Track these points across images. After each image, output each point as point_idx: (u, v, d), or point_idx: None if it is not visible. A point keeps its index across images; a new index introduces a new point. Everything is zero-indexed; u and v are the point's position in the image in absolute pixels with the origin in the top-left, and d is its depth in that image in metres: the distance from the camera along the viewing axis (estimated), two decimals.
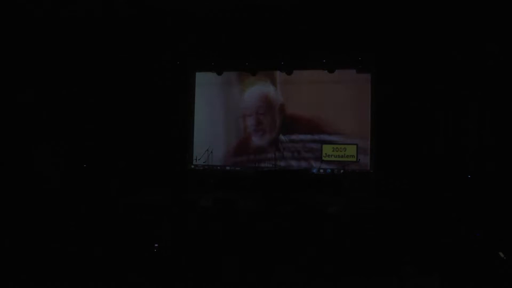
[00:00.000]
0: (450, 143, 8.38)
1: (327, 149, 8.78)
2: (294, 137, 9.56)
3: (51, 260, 4.32)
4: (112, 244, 4.68)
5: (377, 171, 8.96)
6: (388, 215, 5.88)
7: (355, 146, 8.72)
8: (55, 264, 4.24)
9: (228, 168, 10.02)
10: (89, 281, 3.98)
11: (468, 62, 8.09)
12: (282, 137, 9.46)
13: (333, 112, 9.41)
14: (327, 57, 9.11)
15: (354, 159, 8.58)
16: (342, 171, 8.57)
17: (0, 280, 3.93)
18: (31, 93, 8.37)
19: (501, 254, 4.24)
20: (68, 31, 8.63)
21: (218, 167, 10.04)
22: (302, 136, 9.55)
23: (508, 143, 7.51)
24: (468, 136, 8.18)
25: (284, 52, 9.10)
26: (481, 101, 8.05)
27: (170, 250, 4.59)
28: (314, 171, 9.39)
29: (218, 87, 10.20)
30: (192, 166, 10.16)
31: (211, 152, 9.92)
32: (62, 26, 8.46)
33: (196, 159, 10.09)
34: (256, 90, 9.87)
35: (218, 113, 10.22)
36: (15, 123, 8.10)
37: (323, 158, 8.78)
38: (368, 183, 8.44)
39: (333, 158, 8.75)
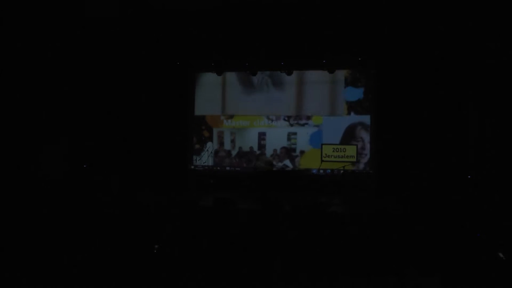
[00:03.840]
0: (450, 143, 8.39)
1: (327, 150, 8.78)
2: None
3: (51, 260, 4.30)
4: (112, 244, 4.65)
5: (377, 172, 8.98)
6: (388, 216, 5.67)
7: (355, 146, 8.74)
8: (55, 264, 4.22)
9: (228, 168, 10.04)
10: (89, 282, 3.98)
11: (469, 62, 8.11)
12: None
13: None
14: (327, 57, 9.15)
15: (354, 160, 8.59)
16: (341, 171, 8.56)
17: (0, 280, 3.93)
18: (32, 93, 8.35)
19: (501, 255, 4.23)
20: (68, 31, 8.62)
21: (218, 168, 10.07)
22: None
23: (509, 142, 7.51)
24: (469, 136, 8.18)
25: (284, 52, 9.14)
26: (482, 100, 8.06)
27: (170, 250, 4.57)
28: (314, 171, 9.39)
29: None
30: (192, 167, 10.17)
31: (211, 152, 9.90)
32: (62, 26, 8.45)
33: (196, 159, 10.07)
34: None
35: None
36: (15, 123, 8.09)
37: (323, 159, 8.79)
38: (368, 184, 8.45)
39: (332, 159, 8.76)
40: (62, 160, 8.57)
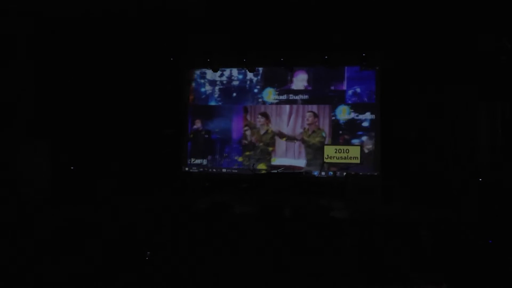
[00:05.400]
0: (460, 143, 8.33)
1: (329, 151, 8.74)
2: None
3: (43, 266, 4.30)
4: (104, 249, 4.68)
5: (382, 174, 8.91)
6: (394, 220, 5.85)
7: (358, 147, 8.72)
8: (48, 270, 4.23)
9: (224, 170, 9.99)
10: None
11: (480, 60, 8.01)
12: None
13: None
14: (329, 53, 9.08)
15: (358, 161, 8.56)
16: (345, 173, 8.52)
17: None
18: (17, 91, 8.30)
19: None
20: (59, 28, 8.59)
21: (214, 170, 10.01)
22: None
23: None
24: (479, 137, 8.14)
25: (284, 48, 9.05)
26: (492, 100, 8.02)
27: (163, 255, 4.58)
28: (315, 173, 9.37)
29: None
30: (186, 169, 10.12)
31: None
32: (54, 24, 8.42)
33: (190, 161, 10.05)
34: None
35: None
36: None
37: (325, 160, 8.75)
38: (372, 186, 8.38)
39: (335, 160, 8.72)
40: (46, 161, 8.47)
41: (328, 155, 8.68)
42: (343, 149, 8.61)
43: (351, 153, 8.57)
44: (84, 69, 9.33)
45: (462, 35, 8.00)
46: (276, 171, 9.07)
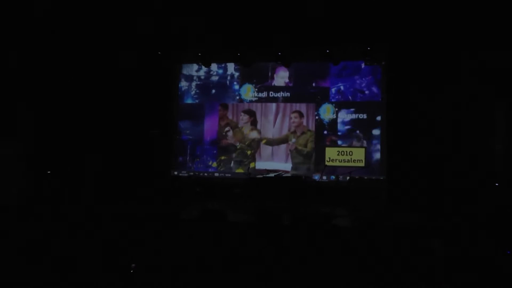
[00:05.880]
0: (473, 146, 8.12)
1: (330, 153, 8.57)
2: None
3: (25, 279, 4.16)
4: (87, 260, 4.58)
5: (388, 178, 8.68)
6: (402, 228, 5.74)
7: (363, 149, 8.50)
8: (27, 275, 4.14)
9: (217, 174, 9.76)
10: None
11: (494, 55, 7.80)
12: None
13: None
14: (331, 47, 8.86)
15: (362, 164, 8.36)
16: (348, 177, 8.24)
17: None
18: None
19: None
20: (41, 21, 8.34)
21: (205, 174, 9.79)
22: None
23: None
24: (495, 138, 7.93)
25: (282, 40, 8.81)
26: (509, 99, 7.79)
27: (151, 266, 4.47)
28: (316, 178, 9.09)
29: None
30: (175, 173, 9.91)
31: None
32: (37, 15, 8.15)
33: (180, 164, 9.84)
34: None
35: None
36: None
37: (326, 163, 8.52)
38: (378, 192, 8.14)
39: (337, 163, 8.50)
40: (17, 161, 8.21)
41: (330, 158, 8.51)
42: (346, 151, 8.48)
43: (355, 156, 8.48)
44: (67, 69, 9.11)
45: (478, 27, 7.77)
46: (272, 175, 8.83)
